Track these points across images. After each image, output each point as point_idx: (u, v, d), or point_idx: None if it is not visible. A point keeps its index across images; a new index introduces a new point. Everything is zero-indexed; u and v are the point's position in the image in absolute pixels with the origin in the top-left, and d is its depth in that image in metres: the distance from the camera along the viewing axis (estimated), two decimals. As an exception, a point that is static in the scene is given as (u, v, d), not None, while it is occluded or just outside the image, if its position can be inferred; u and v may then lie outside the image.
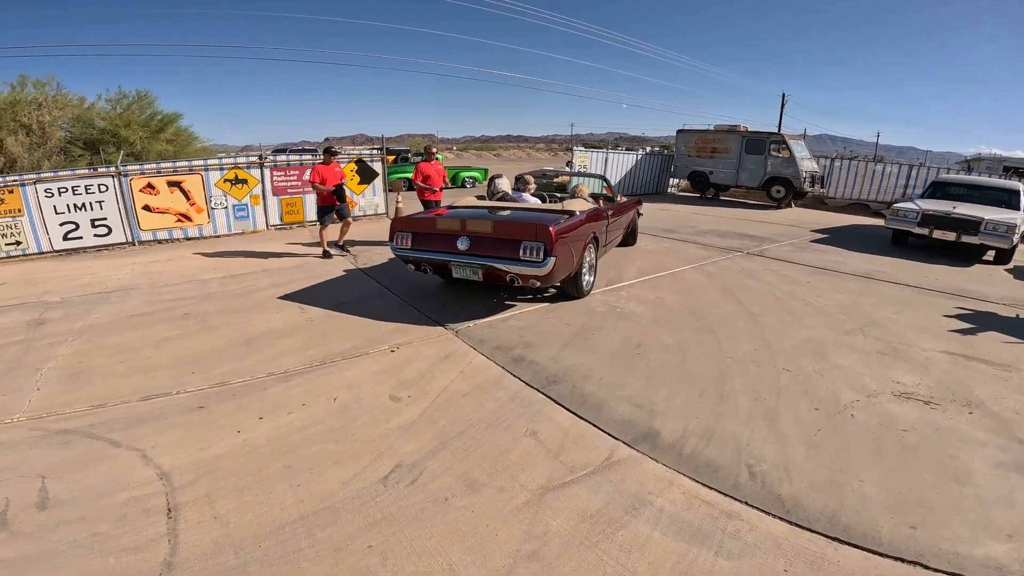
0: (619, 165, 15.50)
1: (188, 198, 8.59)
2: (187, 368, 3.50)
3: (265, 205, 9.23)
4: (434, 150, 7.31)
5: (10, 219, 7.41)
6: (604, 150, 14.90)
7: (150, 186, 8.27)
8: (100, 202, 7.98)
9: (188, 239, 8.69)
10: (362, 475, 2.35)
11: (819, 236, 9.23)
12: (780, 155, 13.70)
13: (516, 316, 4.40)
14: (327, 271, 6.14)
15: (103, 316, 4.67)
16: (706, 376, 3.35)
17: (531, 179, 5.58)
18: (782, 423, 2.81)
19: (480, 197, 5.38)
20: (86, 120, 13.91)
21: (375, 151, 10.41)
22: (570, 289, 4.64)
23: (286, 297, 5.03)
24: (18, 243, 7.53)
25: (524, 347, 3.73)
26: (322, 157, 7.07)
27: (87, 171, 8.00)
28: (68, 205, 7.77)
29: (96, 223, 8.02)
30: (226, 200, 8.89)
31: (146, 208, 8.32)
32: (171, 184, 8.42)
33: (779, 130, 22.30)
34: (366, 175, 10.21)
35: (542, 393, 3.04)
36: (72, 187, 7.74)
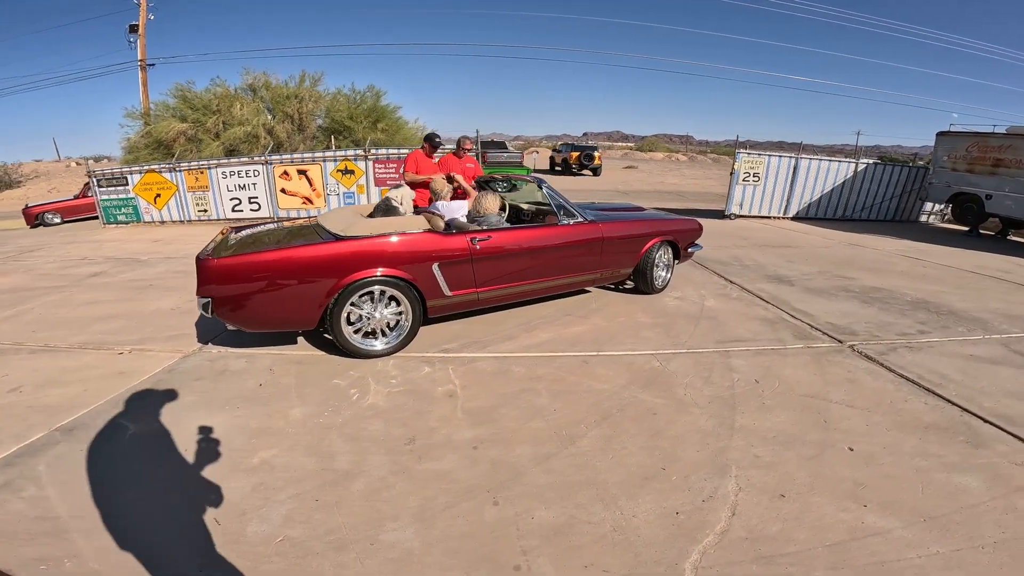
0: (818, 178, 11.14)
1: (311, 184, 10.21)
2: (42, 327, 4.19)
3: (368, 194, 10.23)
4: (468, 145, 5.94)
5: (201, 193, 10.21)
6: (791, 155, 10.94)
7: (286, 173, 10.14)
8: (254, 184, 10.22)
9: (310, 219, 10.36)
10: None
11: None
12: None
13: (250, 356, 3.52)
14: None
15: (123, 278, 5.98)
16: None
17: (444, 186, 4.65)
18: None
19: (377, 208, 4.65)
20: (332, 112, 17.88)
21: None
22: (337, 340, 3.50)
23: (216, 289, 5.49)
24: (204, 211, 10.33)
25: (169, 400, 2.92)
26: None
27: (247, 159, 10.32)
28: (235, 185, 10.21)
29: (251, 200, 10.33)
30: (338, 188, 10.21)
31: (283, 191, 10.26)
32: (299, 172, 10.14)
33: None
34: (462, 173, 10.19)
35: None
36: (237, 171, 10.12)
